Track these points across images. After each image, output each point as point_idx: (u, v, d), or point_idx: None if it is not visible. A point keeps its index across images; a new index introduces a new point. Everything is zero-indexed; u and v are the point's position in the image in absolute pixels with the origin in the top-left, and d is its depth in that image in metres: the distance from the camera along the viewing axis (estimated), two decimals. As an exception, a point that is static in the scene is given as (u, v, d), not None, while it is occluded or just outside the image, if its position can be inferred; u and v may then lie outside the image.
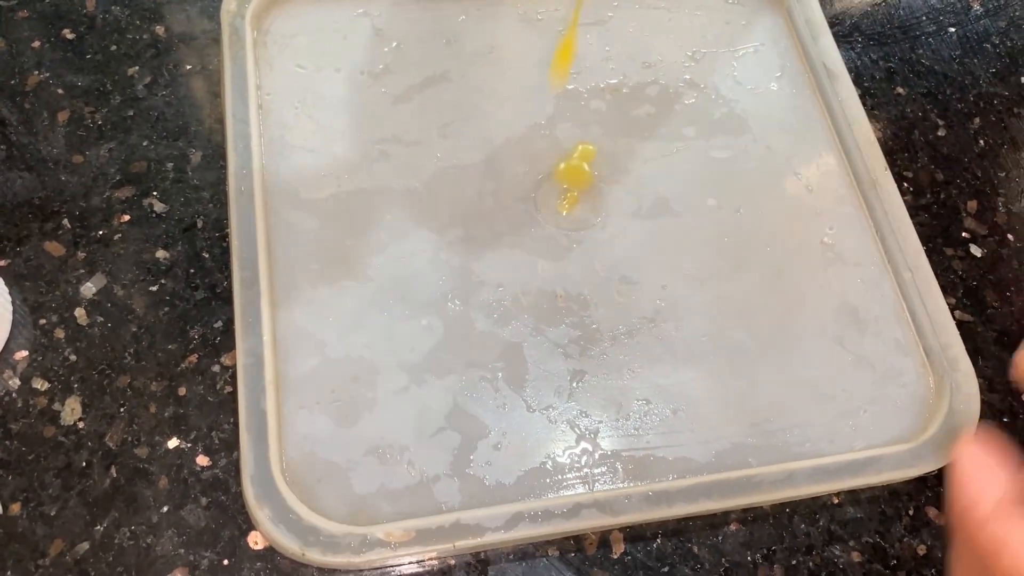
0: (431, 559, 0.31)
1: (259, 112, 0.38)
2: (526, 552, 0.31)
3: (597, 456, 0.32)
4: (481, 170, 0.38)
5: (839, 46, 0.43)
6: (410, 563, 0.31)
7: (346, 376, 0.33)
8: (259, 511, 0.30)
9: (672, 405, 0.34)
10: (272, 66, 0.39)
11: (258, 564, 0.30)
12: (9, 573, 0.30)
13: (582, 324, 0.35)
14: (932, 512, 0.34)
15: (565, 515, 0.30)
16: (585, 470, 0.32)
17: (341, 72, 0.40)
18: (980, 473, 0.25)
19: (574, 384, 0.34)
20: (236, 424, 0.32)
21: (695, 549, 0.32)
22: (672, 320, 0.36)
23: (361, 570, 0.31)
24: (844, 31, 0.46)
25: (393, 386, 0.33)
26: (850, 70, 0.43)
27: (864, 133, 0.40)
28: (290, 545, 0.29)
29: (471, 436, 0.32)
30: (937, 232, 0.40)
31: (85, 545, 0.30)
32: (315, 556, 0.29)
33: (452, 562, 0.31)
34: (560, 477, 0.32)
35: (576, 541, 0.32)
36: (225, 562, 0.30)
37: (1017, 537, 0.23)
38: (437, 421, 0.33)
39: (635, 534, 0.32)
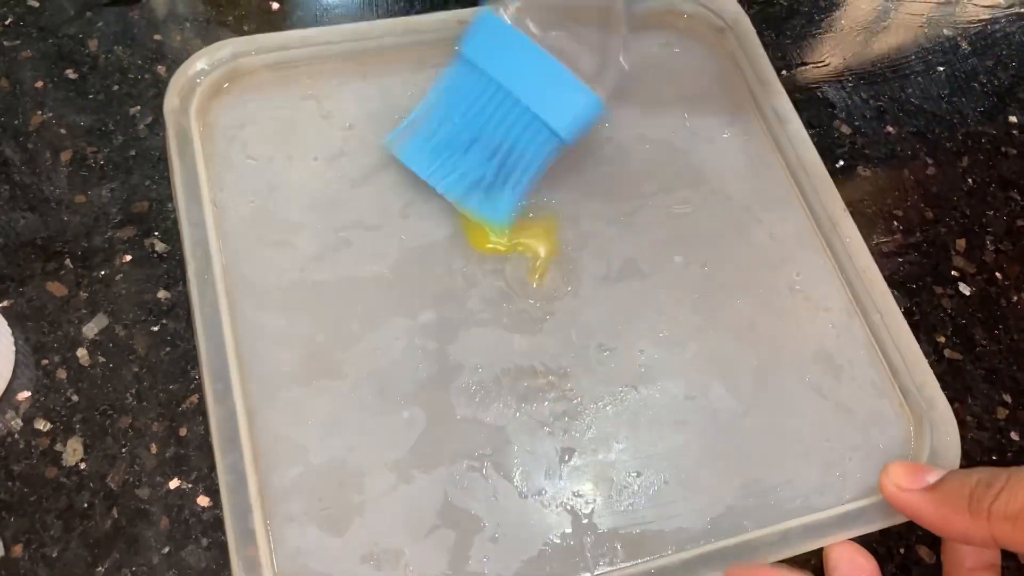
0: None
1: (214, 211, 0.37)
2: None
3: (594, 537, 0.32)
4: (447, 247, 0.38)
5: (829, 85, 0.44)
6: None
7: (332, 481, 0.32)
8: (257, 637, 0.29)
9: (663, 475, 0.34)
10: (223, 160, 0.38)
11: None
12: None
13: (564, 398, 0.35)
14: (923, 551, 0.35)
15: (569, 604, 0.30)
16: (585, 553, 0.32)
17: (293, 160, 0.39)
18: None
19: (563, 463, 0.34)
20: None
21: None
22: (653, 385, 0.36)
23: None
24: (835, 70, 0.47)
25: (381, 487, 0.32)
26: (841, 109, 0.44)
27: (819, 175, 0.40)
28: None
29: (466, 531, 0.32)
30: (927, 271, 0.41)
31: (87, 588, 0.30)
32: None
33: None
34: (560, 564, 0.32)
35: (581, 617, 0.32)
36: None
37: None
38: (430, 519, 0.32)
39: (636, 596, 0.32)
